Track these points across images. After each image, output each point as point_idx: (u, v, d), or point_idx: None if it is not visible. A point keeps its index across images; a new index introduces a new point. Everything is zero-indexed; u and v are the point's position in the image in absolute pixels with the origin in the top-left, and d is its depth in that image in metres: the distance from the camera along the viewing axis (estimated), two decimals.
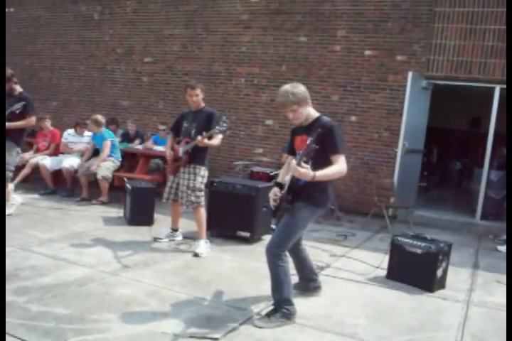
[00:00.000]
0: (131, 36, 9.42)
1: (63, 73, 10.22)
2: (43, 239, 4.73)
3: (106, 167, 6.74)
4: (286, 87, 3.21)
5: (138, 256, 4.45)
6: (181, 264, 4.34)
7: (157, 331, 2.92)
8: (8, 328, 2.71)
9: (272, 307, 3.26)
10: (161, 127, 7.93)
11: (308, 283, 3.74)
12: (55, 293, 3.38)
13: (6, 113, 4.83)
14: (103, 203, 6.63)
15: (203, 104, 4.83)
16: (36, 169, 7.14)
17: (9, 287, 3.34)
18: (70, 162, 7.02)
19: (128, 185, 5.88)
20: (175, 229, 5.14)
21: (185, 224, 5.35)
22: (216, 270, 4.24)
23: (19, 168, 6.88)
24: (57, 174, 7.15)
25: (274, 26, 8.14)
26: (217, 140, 4.66)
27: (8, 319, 2.82)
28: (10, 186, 6.01)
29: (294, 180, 3.20)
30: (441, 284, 4.18)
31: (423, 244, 4.16)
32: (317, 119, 3.25)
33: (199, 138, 4.49)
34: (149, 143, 7.80)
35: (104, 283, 3.69)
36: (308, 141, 2.90)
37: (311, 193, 3.20)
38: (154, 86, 9.22)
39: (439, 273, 4.12)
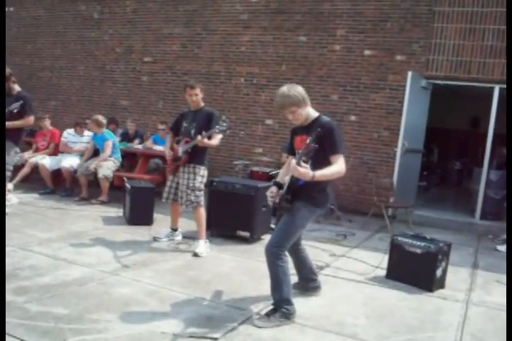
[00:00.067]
0: (130, 36, 9.42)
1: (63, 73, 10.21)
2: (42, 239, 4.72)
3: (107, 166, 6.74)
4: (284, 88, 3.21)
5: (137, 256, 4.45)
6: (181, 264, 4.34)
7: (156, 331, 2.92)
8: (7, 328, 2.70)
9: (271, 307, 3.26)
10: (161, 127, 7.92)
11: (308, 283, 3.74)
12: (54, 293, 3.38)
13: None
14: (102, 203, 6.63)
15: (202, 104, 4.82)
16: (35, 169, 7.13)
17: (8, 287, 3.33)
18: (69, 162, 7.01)
19: (127, 185, 5.88)
20: (174, 229, 5.14)
21: (185, 224, 5.35)
22: (216, 270, 4.24)
23: (18, 168, 6.89)
24: (57, 174, 7.15)
25: (273, 26, 8.13)
26: (216, 140, 4.66)
27: (8, 319, 2.82)
28: (9, 186, 6.02)
29: (294, 180, 3.20)
30: (440, 284, 4.18)
31: (422, 244, 4.16)
32: (317, 119, 3.25)
33: (199, 137, 4.49)
34: (149, 143, 7.80)
35: (103, 282, 3.69)
36: (307, 141, 2.90)
37: (311, 193, 3.20)
38: (154, 85, 9.22)
39: (439, 272, 4.12)
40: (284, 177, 3.40)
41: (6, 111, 4.84)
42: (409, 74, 6.90)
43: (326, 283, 3.95)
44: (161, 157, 6.94)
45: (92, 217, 5.86)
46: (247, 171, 7.32)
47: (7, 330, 2.68)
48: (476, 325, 3.47)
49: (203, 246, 4.72)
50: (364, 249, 5.40)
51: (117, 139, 7.51)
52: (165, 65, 9.08)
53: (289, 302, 3.22)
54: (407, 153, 7.12)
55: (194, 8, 8.75)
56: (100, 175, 6.61)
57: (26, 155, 7.32)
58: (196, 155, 4.70)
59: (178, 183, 4.80)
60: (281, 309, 3.19)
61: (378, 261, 4.67)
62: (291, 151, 3.44)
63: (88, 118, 8.32)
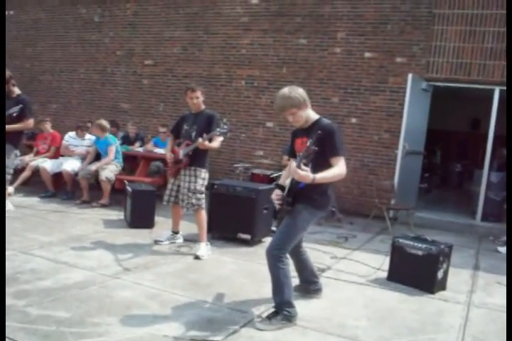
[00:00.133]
0: (131, 39, 9.44)
1: (63, 76, 10.23)
2: (43, 242, 4.72)
3: (110, 169, 6.76)
4: (284, 90, 3.21)
5: (138, 259, 4.45)
6: (182, 267, 4.34)
7: (158, 334, 2.92)
8: (8, 332, 2.71)
9: (272, 310, 3.25)
10: (162, 129, 7.94)
11: (309, 285, 3.74)
12: (55, 297, 3.37)
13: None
14: (103, 206, 6.63)
15: (203, 107, 4.83)
16: (36, 172, 7.14)
17: (9, 290, 3.33)
18: (70, 165, 7.02)
19: (128, 188, 5.88)
20: (175, 232, 5.14)
21: (186, 227, 5.35)
22: (217, 272, 4.24)
23: (19, 171, 6.90)
24: (58, 177, 7.16)
25: (274, 28, 8.15)
26: (217, 142, 4.66)
27: (8, 322, 2.82)
28: (10, 189, 6.03)
29: (294, 183, 3.20)
30: (442, 286, 4.17)
31: (424, 246, 4.16)
32: (317, 121, 3.25)
33: (200, 140, 4.49)
34: (150, 146, 7.80)
35: (104, 286, 3.69)
36: (307, 144, 2.90)
37: (312, 195, 3.20)
38: (154, 88, 9.23)
39: (440, 274, 4.12)
40: (286, 179, 3.40)
41: (6, 114, 4.84)
42: (410, 76, 6.90)
43: (328, 286, 3.95)
44: (162, 160, 6.94)
45: (93, 220, 5.86)
46: (248, 174, 7.32)
47: (7, 334, 2.68)
48: (477, 326, 3.46)
49: (204, 248, 4.72)
50: (365, 251, 5.39)
51: (118, 142, 7.52)
52: (166, 67, 9.10)
53: (291, 305, 3.22)
54: (407, 155, 7.12)
55: (195, 11, 8.77)
56: (102, 177, 6.62)
57: (27, 158, 7.33)
58: (197, 158, 4.70)
59: (179, 186, 4.80)
60: (282, 311, 3.19)
61: (379, 263, 4.66)
62: (292, 154, 3.44)
63: (89, 122, 8.35)
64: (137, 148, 7.92)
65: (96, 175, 6.80)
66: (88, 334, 2.85)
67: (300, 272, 3.69)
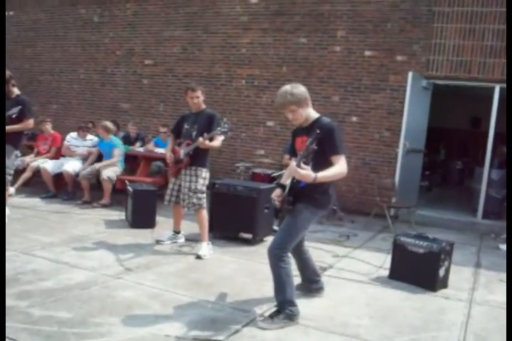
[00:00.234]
0: (131, 38, 9.43)
1: (63, 76, 10.23)
2: (44, 243, 4.72)
3: (112, 169, 6.78)
4: (286, 87, 3.21)
5: (140, 259, 4.45)
6: (184, 266, 4.34)
7: (160, 334, 2.92)
8: (10, 333, 2.71)
9: (275, 309, 3.25)
10: (162, 129, 7.93)
11: (311, 284, 3.74)
12: (57, 297, 3.38)
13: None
14: (104, 206, 6.63)
15: (203, 106, 4.83)
16: (37, 172, 7.15)
17: (11, 291, 3.34)
18: (71, 165, 7.03)
19: (129, 188, 5.88)
20: (177, 232, 5.14)
21: (187, 226, 5.36)
22: (219, 272, 4.24)
23: (20, 172, 6.90)
24: (59, 177, 7.16)
25: (273, 28, 8.14)
26: (218, 141, 4.66)
27: (11, 323, 2.83)
28: (11, 190, 6.03)
29: (295, 182, 3.20)
30: (443, 283, 4.17)
31: (425, 244, 4.16)
32: (317, 120, 3.25)
33: (200, 139, 4.49)
34: (150, 146, 7.80)
35: (106, 286, 3.69)
36: (307, 143, 2.90)
37: (313, 195, 3.20)
38: (155, 88, 9.23)
39: (442, 272, 4.12)
40: (287, 179, 3.40)
41: (5, 115, 4.84)
42: (410, 74, 6.90)
43: (329, 284, 3.95)
44: (163, 160, 6.92)
45: (95, 221, 5.86)
46: (249, 173, 7.31)
47: (10, 335, 2.69)
48: (479, 324, 3.47)
49: (205, 248, 4.72)
50: (367, 250, 5.39)
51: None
52: (165, 67, 9.10)
53: (293, 304, 3.22)
54: (408, 154, 7.12)
55: (194, 10, 8.77)
56: (104, 176, 6.63)
57: (28, 159, 7.33)
58: (198, 158, 4.70)
59: (180, 186, 4.80)
60: (284, 310, 3.19)
61: (381, 261, 4.67)
62: (293, 153, 3.43)
63: (90, 122, 8.36)
64: (138, 148, 7.92)
65: (97, 175, 6.81)
66: (90, 334, 2.85)
67: (302, 271, 3.69)
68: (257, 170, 7.21)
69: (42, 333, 2.81)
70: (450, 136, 12.99)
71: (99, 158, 7.15)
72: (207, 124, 4.67)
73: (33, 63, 10.59)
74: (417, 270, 4.15)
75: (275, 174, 6.79)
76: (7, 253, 3.86)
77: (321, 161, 3.07)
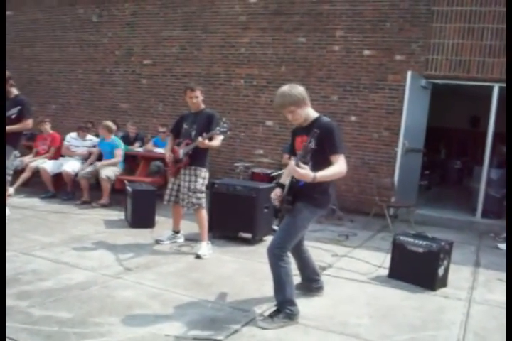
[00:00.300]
0: (129, 38, 9.43)
1: (62, 76, 10.22)
2: (44, 243, 4.72)
3: (111, 169, 6.78)
4: (284, 88, 3.21)
5: (140, 259, 4.45)
6: (183, 266, 4.34)
7: (160, 333, 2.92)
8: (10, 333, 2.71)
9: (274, 308, 3.26)
10: (161, 129, 7.93)
11: (311, 284, 3.74)
12: (57, 297, 3.38)
13: None
14: (104, 206, 6.63)
15: (202, 106, 4.83)
16: (36, 173, 7.14)
17: (11, 291, 3.34)
18: (70, 165, 7.02)
19: (129, 188, 5.89)
20: (176, 231, 5.15)
21: (187, 226, 5.36)
22: (218, 271, 4.25)
23: (19, 172, 6.90)
24: (58, 177, 7.15)
25: (272, 27, 8.14)
26: (217, 141, 4.66)
27: (11, 323, 2.83)
28: (10, 190, 6.03)
29: (294, 181, 3.20)
30: (443, 282, 4.18)
31: (424, 243, 4.17)
32: (316, 120, 3.25)
33: (200, 139, 4.50)
34: (149, 146, 7.80)
35: (106, 286, 3.69)
36: (305, 142, 2.91)
37: (312, 194, 3.20)
38: (153, 88, 9.23)
39: (441, 271, 4.13)
40: (286, 178, 3.40)
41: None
42: (409, 73, 6.90)
43: (329, 284, 3.96)
44: (162, 159, 6.93)
45: (94, 221, 5.86)
46: (248, 173, 7.32)
47: (10, 335, 2.69)
48: (478, 323, 3.47)
49: (205, 248, 4.72)
50: (366, 249, 5.40)
51: None
52: (164, 67, 9.10)
53: (292, 303, 3.22)
54: (407, 153, 7.12)
55: (193, 10, 8.77)
56: (103, 175, 6.63)
57: (27, 159, 7.33)
58: (197, 157, 4.70)
59: (179, 185, 4.80)
60: (284, 310, 3.19)
61: (380, 260, 4.67)
62: (293, 152, 3.44)
63: (89, 122, 8.35)
64: (137, 148, 7.92)
65: (96, 174, 6.81)
66: (90, 334, 2.85)
67: (302, 270, 3.70)
68: (256, 170, 7.21)
69: (42, 333, 2.81)
70: (449, 135, 13.01)
71: (99, 158, 7.15)
72: (206, 124, 4.67)
73: (32, 63, 10.58)
74: (417, 269, 4.15)
75: (274, 173, 6.80)
76: (7, 254, 3.86)
77: (320, 160, 3.08)
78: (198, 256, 4.60)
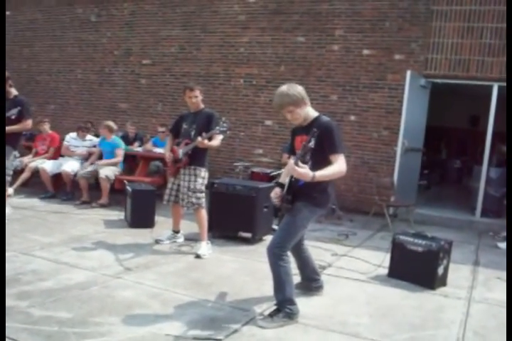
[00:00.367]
0: (128, 38, 9.43)
1: (61, 76, 10.22)
2: (43, 243, 4.72)
3: (110, 168, 6.78)
4: (283, 87, 3.21)
5: (139, 259, 4.45)
6: (183, 266, 4.34)
7: (160, 333, 2.92)
8: (10, 333, 2.71)
9: (274, 308, 3.26)
10: (160, 129, 7.93)
11: (311, 283, 3.75)
12: (57, 297, 3.38)
13: None
14: (103, 206, 6.63)
15: (202, 106, 4.83)
16: (36, 173, 7.14)
17: (11, 291, 3.34)
18: (69, 165, 7.02)
19: (128, 188, 5.88)
20: (176, 231, 5.15)
21: (187, 226, 5.36)
22: (218, 271, 4.25)
23: (18, 172, 6.89)
24: (57, 178, 7.15)
25: (272, 27, 8.14)
26: (217, 141, 4.66)
27: (11, 324, 2.83)
28: (9, 190, 6.02)
29: (294, 181, 3.20)
30: (442, 281, 4.19)
31: (424, 242, 4.17)
32: (316, 119, 3.25)
33: (199, 139, 4.50)
34: (149, 146, 7.79)
35: (106, 286, 3.69)
36: (304, 142, 2.91)
37: (312, 193, 3.20)
38: (153, 88, 9.23)
39: (440, 270, 4.13)
40: (286, 177, 3.40)
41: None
42: (408, 73, 6.90)
43: (329, 283, 3.96)
44: (162, 159, 6.94)
45: (94, 221, 5.86)
46: (248, 172, 7.32)
47: (10, 335, 2.69)
48: (478, 322, 3.48)
49: (204, 247, 4.72)
50: (366, 248, 5.40)
51: None
52: (163, 67, 9.09)
53: (292, 303, 3.22)
54: (407, 152, 7.13)
55: (192, 9, 8.76)
56: (102, 175, 6.63)
57: (26, 159, 7.33)
58: (197, 157, 4.70)
59: (179, 185, 4.80)
60: (284, 309, 3.20)
61: (380, 259, 4.67)
62: (292, 152, 3.44)
63: (89, 122, 8.35)
64: (136, 148, 7.92)
65: (96, 174, 6.80)
66: (90, 334, 2.85)
67: (302, 270, 3.70)
68: (256, 170, 7.21)
69: (42, 333, 2.81)
70: (449, 134, 13.02)
71: (99, 158, 7.15)
72: (205, 124, 4.67)
73: (31, 63, 10.58)
74: (416, 268, 4.15)
75: (274, 173, 6.80)
76: (6, 254, 3.85)
77: (320, 160, 3.08)
78: (197, 256, 4.60)
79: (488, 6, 6.84)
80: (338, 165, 3.06)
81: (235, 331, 3.03)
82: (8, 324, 2.75)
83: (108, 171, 6.71)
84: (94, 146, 7.42)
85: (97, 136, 7.88)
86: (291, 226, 3.25)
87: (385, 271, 4.41)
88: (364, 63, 7.54)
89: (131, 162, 7.86)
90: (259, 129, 8.33)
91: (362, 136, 7.60)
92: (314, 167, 3.01)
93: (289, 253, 3.31)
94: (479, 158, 7.74)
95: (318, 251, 4.98)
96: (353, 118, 7.65)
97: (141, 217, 5.65)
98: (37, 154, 7.58)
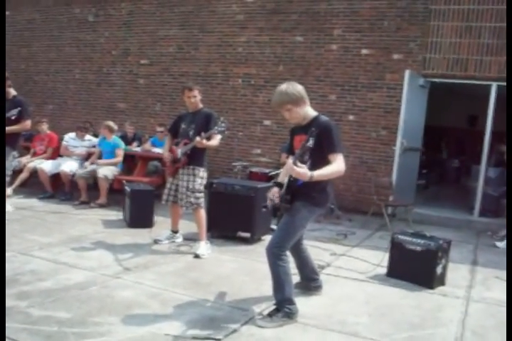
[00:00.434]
0: (126, 38, 9.42)
1: (59, 76, 10.21)
2: (42, 243, 4.72)
3: (109, 168, 6.77)
4: (283, 86, 3.21)
5: (138, 259, 4.45)
6: (182, 266, 4.35)
7: (159, 333, 2.93)
8: (10, 333, 2.71)
9: (273, 307, 3.26)
10: (159, 129, 7.92)
11: (310, 283, 3.75)
12: (56, 297, 3.38)
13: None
14: (102, 206, 6.62)
15: (200, 105, 4.83)
16: (34, 173, 7.13)
17: (10, 292, 3.34)
18: (68, 166, 7.01)
19: (127, 188, 5.88)
20: (175, 231, 5.15)
21: (186, 226, 5.36)
22: (217, 271, 4.25)
23: (17, 172, 6.88)
24: (56, 178, 7.14)
25: (270, 26, 8.14)
26: (216, 140, 4.66)
27: (10, 324, 2.83)
28: (8, 191, 6.02)
29: (293, 180, 3.20)
30: (441, 281, 4.19)
31: (422, 242, 4.18)
32: (315, 119, 3.25)
33: (198, 138, 4.50)
34: (147, 146, 7.78)
35: (105, 286, 3.69)
36: (303, 141, 2.91)
37: (311, 193, 3.20)
38: (151, 88, 9.22)
39: (439, 270, 4.14)
40: (284, 177, 3.40)
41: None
42: (407, 72, 6.90)
43: (328, 282, 3.96)
44: (160, 159, 6.93)
45: (92, 221, 5.86)
46: (246, 172, 7.32)
47: (10, 335, 2.69)
48: (476, 321, 3.48)
49: (203, 247, 4.72)
50: (364, 248, 5.41)
51: None
52: (161, 67, 9.09)
53: (291, 302, 3.23)
54: (405, 152, 7.13)
55: (190, 9, 8.76)
56: (100, 174, 6.62)
57: (24, 159, 7.31)
58: (195, 157, 4.70)
59: (177, 185, 4.80)
60: (283, 309, 3.20)
61: (379, 259, 4.68)
62: (291, 151, 3.44)
63: (87, 122, 8.34)
64: (135, 148, 7.91)
65: (94, 174, 6.80)
66: (90, 334, 2.85)
67: (301, 269, 3.70)
68: (254, 169, 7.22)
69: (42, 333, 2.81)
70: (447, 134, 13.03)
71: (99, 158, 7.14)
72: (204, 123, 4.67)
73: (29, 63, 10.57)
74: (415, 268, 4.16)
75: (272, 173, 6.80)
76: (5, 254, 3.85)
77: (318, 159, 3.08)
78: (196, 256, 4.60)
79: (486, 6, 6.85)
80: (336, 165, 3.06)
81: (234, 331, 3.03)
82: (8, 324, 2.75)
83: (106, 171, 6.71)
84: (94, 146, 7.42)
85: (95, 135, 7.88)
86: (290, 226, 3.25)
87: (384, 271, 4.41)
88: (362, 63, 7.54)
89: (129, 162, 7.84)
90: (258, 129, 8.33)
91: (360, 136, 7.61)
92: (313, 166, 3.01)
93: (288, 253, 3.31)
94: (477, 157, 7.75)
95: (317, 250, 4.98)
96: (351, 117, 7.65)
97: (140, 217, 5.65)
98: (35, 154, 7.56)
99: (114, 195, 6.76)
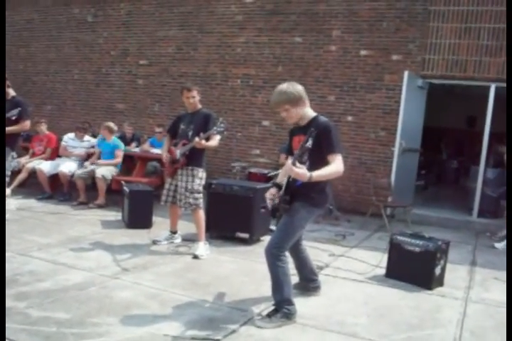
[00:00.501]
0: (125, 38, 9.42)
1: (57, 77, 10.20)
2: (41, 244, 4.72)
3: (108, 168, 6.77)
4: (282, 85, 3.21)
5: (137, 259, 4.45)
6: (181, 266, 4.34)
7: (158, 333, 2.92)
8: (9, 333, 2.71)
9: (272, 308, 3.26)
10: (158, 129, 7.92)
11: (309, 283, 3.75)
12: (55, 298, 3.37)
13: None
14: (100, 206, 6.62)
15: (199, 106, 4.83)
16: (33, 173, 7.12)
17: (9, 292, 3.33)
18: (66, 166, 7.00)
19: (126, 188, 5.88)
20: (174, 232, 5.14)
21: (184, 227, 5.36)
22: (216, 271, 4.25)
23: (16, 173, 6.88)
24: (54, 178, 7.14)
25: (269, 27, 8.15)
26: (214, 141, 4.66)
27: (9, 324, 2.82)
28: (7, 191, 6.01)
29: (292, 181, 3.20)
30: (439, 282, 4.20)
31: (421, 243, 4.18)
32: (314, 119, 3.25)
33: (197, 139, 4.50)
34: (146, 146, 7.78)
35: (103, 286, 3.69)
36: (302, 142, 2.92)
37: (309, 193, 3.20)
38: (150, 88, 9.22)
39: (438, 270, 4.14)
40: (283, 178, 3.40)
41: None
42: (406, 73, 6.91)
43: (326, 283, 3.96)
44: (159, 160, 6.92)
45: (91, 222, 5.85)
46: (245, 173, 7.32)
47: (9, 336, 2.68)
48: (475, 321, 3.49)
49: (202, 248, 4.72)
50: (363, 249, 5.41)
51: None
52: (160, 67, 9.09)
53: (290, 303, 3.23)
54: (404, 153, 7.14)
55: (189, 10, 8.76)
56: (98, 174, 6.62)
57: (23, 160, 7.30)
58: (194, 158, 4.70)
59: (176, 186, 4.80)
60: (282, 309, 3.20)
61: (378, 260, 4.68)
62: (290, 152, 3.44)
63: (86, 122, 8.33)
64: (134, 149, 7.91)
65: (93, 175, 6.79)
66: (88, 334, 2.85)
67: (299, 270, 3.71)
68: (253, 170, 7.21)
69: (41, 334, 2.81)
70: (446, 135, 13.04)
71: (98, 158, 7.14)
72: (203, 124, 4.67)
73: (27, 64, 10.56)
74: (414, 268, 4.17)
75: (271, 174, 6.80)
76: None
77: (317, 160, 3.08)
78: (195, 257, 4.60)
79: (485, 7, 6.86)
80: (335, 165, 3.06)
81: (233, 331, 3.03)
82: (7, 325, 2.75)
83: (105, 171, 6.70)
84: (93, 147, 7.41)
85: (94, 136, 7.88)
86: (289, 226, 3.25)
87: (383, 271, 4.42)
88: (361, 64, 7.55)
89: (128, 162, 7.83)
90: (257, 130, 8.33)
91: (359, 137, 7.61)
92: (312, 167, 3.01)
93: (287, 254, 3.31)
94: (476, 158, 7.76)
95: (315, 251, 4.98)
96: (350, 118, 7.66)
97: (139, 218, 5.64)
98: (34, 155, 7.55)
99: (113, 195, 6.75)
